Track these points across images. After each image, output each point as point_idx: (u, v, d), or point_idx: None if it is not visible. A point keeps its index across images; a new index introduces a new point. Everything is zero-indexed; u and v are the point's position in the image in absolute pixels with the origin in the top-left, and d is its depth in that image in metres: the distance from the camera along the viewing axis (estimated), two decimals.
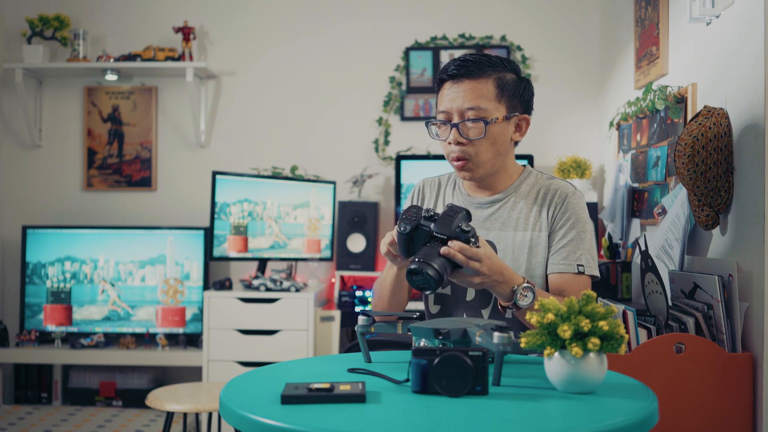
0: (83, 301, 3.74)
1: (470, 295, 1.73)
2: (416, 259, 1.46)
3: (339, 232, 3.72)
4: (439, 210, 1.83)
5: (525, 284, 1.55)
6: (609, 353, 1.15)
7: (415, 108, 3.91)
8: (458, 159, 1.70)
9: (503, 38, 3.89)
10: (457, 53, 3.89)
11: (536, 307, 1.21)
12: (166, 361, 3.61)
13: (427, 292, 1.48)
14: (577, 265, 1.68)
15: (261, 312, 3.43)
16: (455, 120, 1.68)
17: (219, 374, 3.42)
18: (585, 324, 1.13)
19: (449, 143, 1.70)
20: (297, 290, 3.48)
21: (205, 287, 3.70)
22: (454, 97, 1.68)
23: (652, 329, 2.11)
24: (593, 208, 3.50)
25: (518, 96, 1.72)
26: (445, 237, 1.49)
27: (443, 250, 1.46)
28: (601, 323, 1.13)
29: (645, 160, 2.83)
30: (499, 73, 1.69)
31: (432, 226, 1.50)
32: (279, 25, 4.00)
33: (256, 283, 3.49)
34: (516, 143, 1.78)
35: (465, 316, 1.73)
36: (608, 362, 1.17)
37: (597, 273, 1.72)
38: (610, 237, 3.12)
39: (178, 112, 4.03)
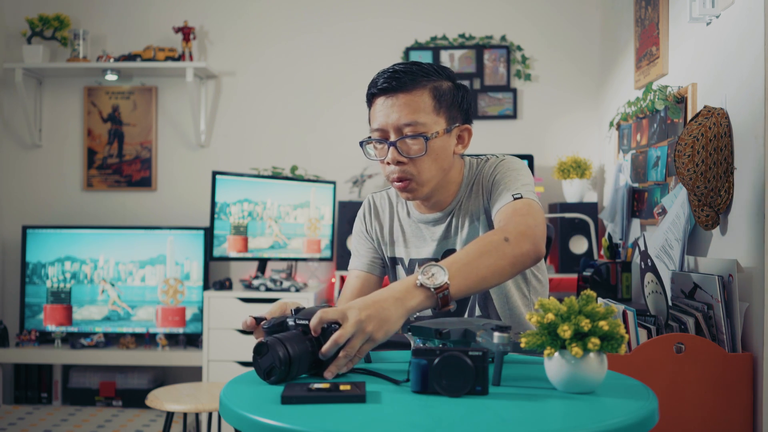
0: (83, 301, 3.74)
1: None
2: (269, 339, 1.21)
3: (339, 232, 3.72)
4: (401, 231, 1.71)
5: (420, 271, 1.30)
6: (609, 353, 1.15)
7: None
8: (399, 180, 1.56)
9: (503, 38, 3.89)
10: (457, 53, 3.90)
11: (536, 306, 1.20)
12: (166, 361, 3.61)
13: (272, 378, 1.20)
14: (512, 195, 1.51)
15: (261, 312, 3.42)
16: (392, 138, 1.54)
17: (219, 374, 3.42)
18: (585, 324, 1.13)
19: (388, 163, 1.56)
20: (297, 290, 3.48)
21: (205, 287, 3.70)
22: (388, 113, 1.55)
23: (652, 329, 2.11)
24: (593, 208, 3.50)
25: (457, 105, 1.58)
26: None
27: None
28: (601, 323, 1.13)
29: (645, 160, 2.83)
30: (434, 83, 1.56)
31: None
32: (279, 25, 4.00)
33: (256, 283, 3.49)
34: (462, 156, 1.66)
35: None
36: (608, 362, 1.17)
37: (536, 198, 1.54)
38: (610, 237, 3.12)
39: (178, 112, 4.03)
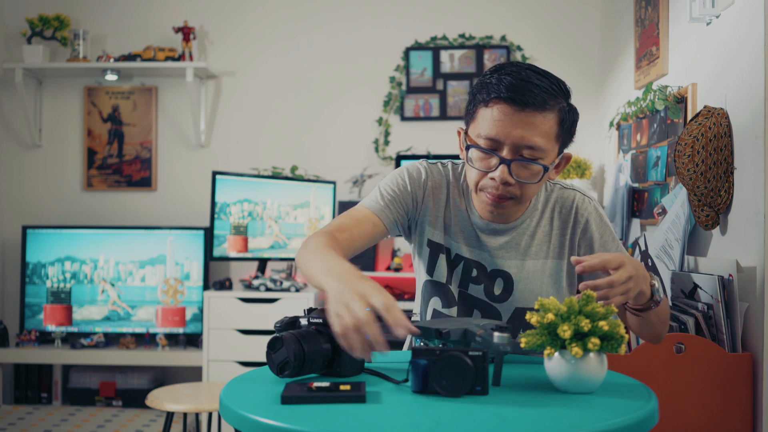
0: (83, 301, 3.74)
1: (476, 317, 1.58)
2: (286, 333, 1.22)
3: None
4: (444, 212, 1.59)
5: (654, 277, 1.38)
6: (609, 353, 1.15)
7: (415, 108, 3.91)
8: (500, 198, 1.44)
9: (503, 38, 3.89)
10: (457, 53, 3.90)
11: (536, 306, 1.20)
12: (166, 361, 3.61)
13: (285, 372, 1.19)
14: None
15: (261, 312, 3.43)
16: (506, 154, 1.39)
17: (219, 374, 3.42)
18: (585, 324, 1.13)
19: (492, 178, 1.42)
20: (297, 290, 3.48)
21: (205, 287, 3.70)
22: (509, 127, 1.38)
23: None
24: None
25: (569, 131, 1.46)
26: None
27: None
28: (601, 323, 1.13)
29: (645, 160, 2.83)
30: (561, 104, 1.41)
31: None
32: (279, 25, 4.00)
33: (256, 283, 3.49)
34: None
35: None
36: (608, 362, 1.17)
37: None
38: None
39: (178, 112, 4.03)
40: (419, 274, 1.64)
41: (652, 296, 1.36)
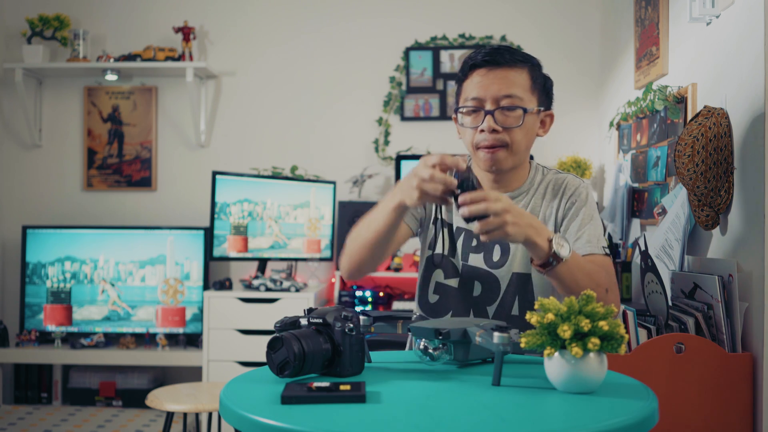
0: (83, 301, 3.74)
1: (477, 290, 1.68)
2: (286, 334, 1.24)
3: (339, 232, 3.72)
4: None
5: (557, 234, 1.46)
6: (609, 353, 1.15)
7: (415, 108, 3.91)
8: (492, 146, 1.61)
9: (503, 38, 3.89)
10: (457, 53, 3.90)
11: (536, 306, 1.20)
12: (166, 361, 3.61)
13: (285, 372, 1.22)
14: (602, 246, 1.63)
15: (261, 312, 3.43)
16: (488, 107, 1.61)
17: (219, 374, 3.42)
18: (585, 324, 1.13)
19: (482, 131, 1.61)
20: (297, 290, 3.48)
21: (205, 287, 3.70)
22: (487, 84, 1.61)
23: (652, 329, 2.11)
24: None
25: (546, 91, 1.70)
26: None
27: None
28: (601, 323, 1.13)
29: (645, 160, 2.83)
30: (530, 64, 1.65)
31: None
32: (279, 25, 4.00)
33: (256, 283, 3.49)
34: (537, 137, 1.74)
35: (472, 313, 1.68)
36: (608, 362, 1.17)
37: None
38: (610, 237, 3.12)
39: (178, 112, 4.03)
40: (422, 254, 1.76)
41: (554, 254, 1.43)
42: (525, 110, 1.61)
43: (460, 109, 1.65)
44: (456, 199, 1.38)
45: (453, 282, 1.70)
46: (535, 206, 1.69)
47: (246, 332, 3.43)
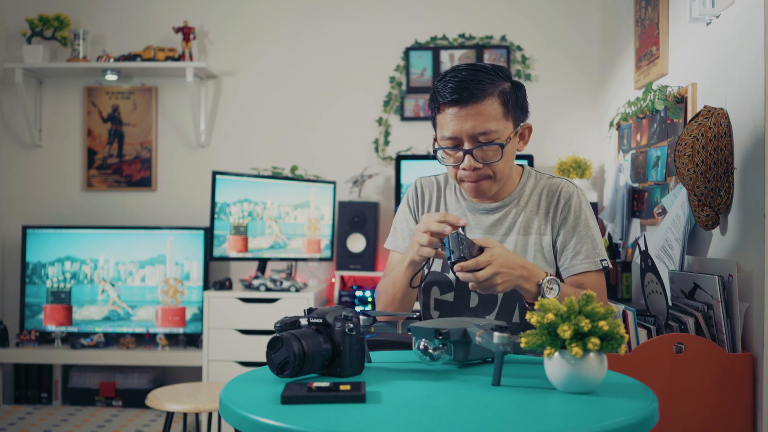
0: (83, 301, 3.74)
1: (473, 301, 1.72)
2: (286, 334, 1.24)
3: (339, 232, 3.72)
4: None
5: (548, 278, 1.54)
6: (609, 353, 1.15)
7: (415, 108, 3.91)
8: (476, 181, 1.66)
9: (503, 38, 3.89)
10: (457, 53, 3.90)
11: (536, 307, 1.21)
12: (166, 361, 3.61)
13: (285, 372, 1.22)
14: (600, 260, 1.68)
15: (261, 312, 3.43)
16: (466, 146, 1.62)
17: (219, 374, 3.42)
18: (585, 324, 1.13)
19: (463, 169, 1.65)
20: (297, 290, 3.48)
21: (205, 287, 3.70)
22: (460, 122, 1.61)
23: (652, 329, 2.11)
24: (593, 208, 3.50)
25: (519, 105, 1.68)
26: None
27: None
28: (601, 323, 1.13)
29: (645, 160, 2.83)
30: (499, 87, 1.62)
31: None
32: (279, 25, 4.00)
33: (256, 283, 3.49)
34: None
35: None
36: (608, 362, 1.17)
37: (609, 264, 1.73)
38: (610, 237, 3.12)
39: (178, 112, 4.03)
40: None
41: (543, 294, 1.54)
42: (502, 145, 1.62)
43: (441, 149, 1.67)
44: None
45: (449, 297, 1.74)
46: (530, 220, 1.72)
47: (246, 332, 3.43)
